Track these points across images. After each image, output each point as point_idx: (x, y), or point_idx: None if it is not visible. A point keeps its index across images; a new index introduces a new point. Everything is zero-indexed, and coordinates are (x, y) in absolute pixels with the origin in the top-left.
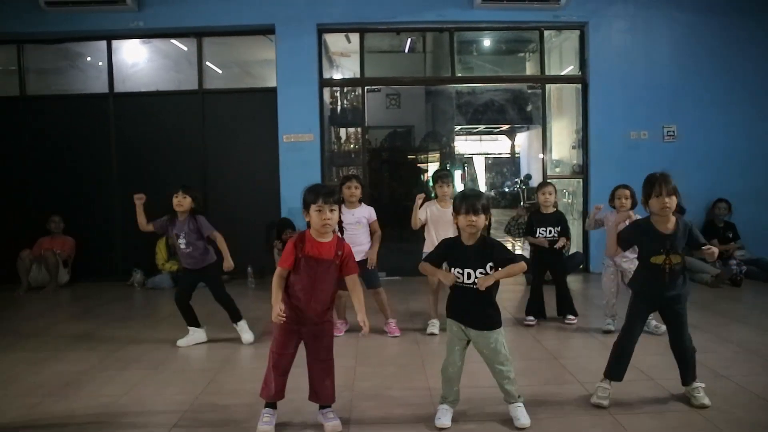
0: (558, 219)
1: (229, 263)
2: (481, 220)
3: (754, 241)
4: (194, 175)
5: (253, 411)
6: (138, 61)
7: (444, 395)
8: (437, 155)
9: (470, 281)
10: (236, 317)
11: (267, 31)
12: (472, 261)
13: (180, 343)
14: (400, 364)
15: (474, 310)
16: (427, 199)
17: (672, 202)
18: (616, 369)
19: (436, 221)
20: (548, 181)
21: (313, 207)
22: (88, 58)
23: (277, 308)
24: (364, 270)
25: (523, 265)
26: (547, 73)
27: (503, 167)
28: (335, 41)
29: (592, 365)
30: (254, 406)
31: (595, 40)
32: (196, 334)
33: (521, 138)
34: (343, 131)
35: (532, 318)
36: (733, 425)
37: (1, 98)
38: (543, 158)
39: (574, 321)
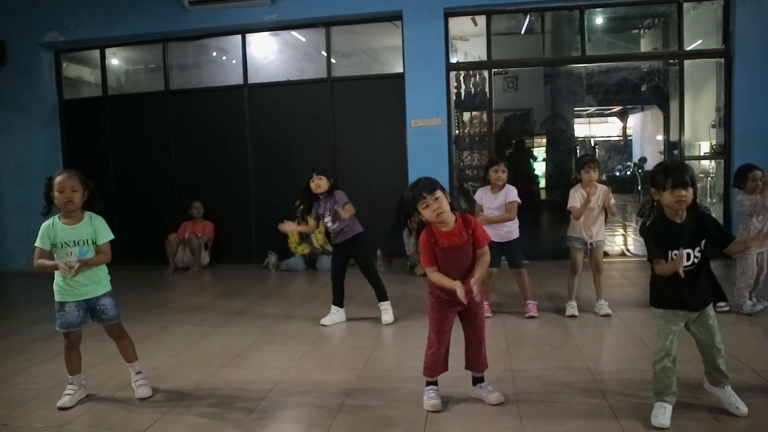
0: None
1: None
2: (690, 193)
3: None
4: (324, 162)
5: (415, 387)
6: (269, 53)
7: (660, 392)
8: (557, 138)
9: (688, 262)
10: (383, 296)
11: (394, 17)
12: (689, 240)
13: (324, 321)
14: (554, 345)
15: (694, 291)
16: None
17: None
18: None
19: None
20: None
21: (419, 206)
22: (225, 52)
23: (459, 289)
24: (511, 250)
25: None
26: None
27: (613, 151)
28: (454, 25)
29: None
30: (415, 382)
31: (742, 10)
32: (338, 314)
33: (634, 120)
34: (467, 115)
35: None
36: None
37: (149, 93)
38: (679, 139)
39: (726, 307)
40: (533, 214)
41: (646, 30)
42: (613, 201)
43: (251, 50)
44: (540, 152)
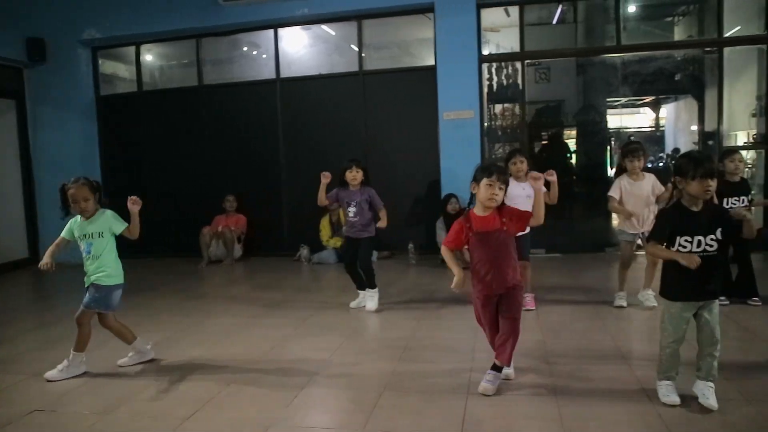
0: (746, 188)
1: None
2: (716, 184)
3: None
4: (356, 154)
5: (453, 377)
6: (301, 47)
7: (666, 372)
8: (589, 129)
9: (700, 249)
10: (372, 285)
11: (426, 9)
12: (704, 228)
13: (352, 305)
14: (591, 338)
15: (705, 280)
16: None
17: None
18: None
19: (629, 195)
20: (734, 148)
21: (485, 180)
22: (257, 47)
23: (457, 276)
24: (521, 241)
25: None
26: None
27: (646, 142)
28: (485, 16)
29: None
30: (453, 374)
31: None
32: (360, 298)
33: (667, 110)
34: (499, 107)
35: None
36: None
37: (183, 89)
38: (717, 129)
39: (759, 303)
40: (565, 206)
41: (681, 17)
42: (666, 194)
43: (283, 44)
44: (572, 144)
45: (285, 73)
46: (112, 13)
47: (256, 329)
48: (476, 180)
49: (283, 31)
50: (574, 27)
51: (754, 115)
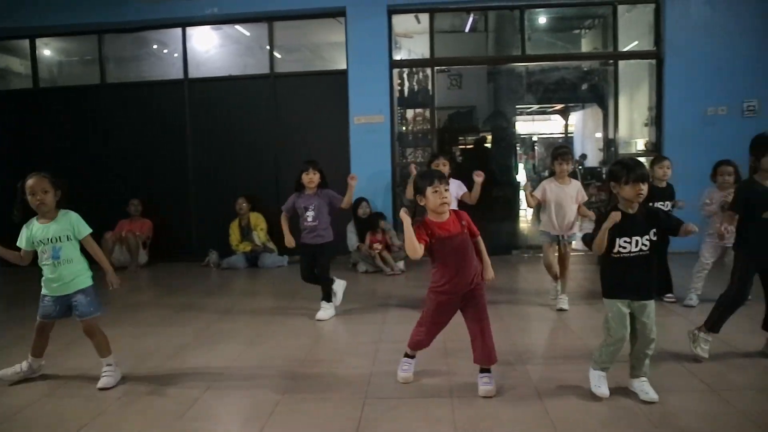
0: (672, 193)
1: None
2: (647, 188)
3: None
4: (267, 157)
5: (353, 381)
6: (211, 48)
7: (603, 363)
8: (499, 135)
9: (637, 249)
10: (328, 298)
11: (338, 13)
12: (640, 228)
13: (320, 315)
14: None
15: (643, 279)
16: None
17: None
18: (719, 324)
19: (556, 198)
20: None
21: (429, 189)
22: (164, 46)
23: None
24: None
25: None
26: (618, 49)
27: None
28: (399, 22)
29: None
30: (353, 378)
31: (672, 13)
32: (331, 309)
33: (575, 117)
34: (410, 112)
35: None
36: None
37: (84, 86)
38: (614, 136)
39: (673, 299)
40: (477, 209)
41: (587, 30)
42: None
43: (192, 44)
44: (484, 149)
45: (194, 73)
46: (2, 2)
47: (154, 338)
48: (420, 192)
49: (191, 30)
50: (485, 36)
51: (646, 125)
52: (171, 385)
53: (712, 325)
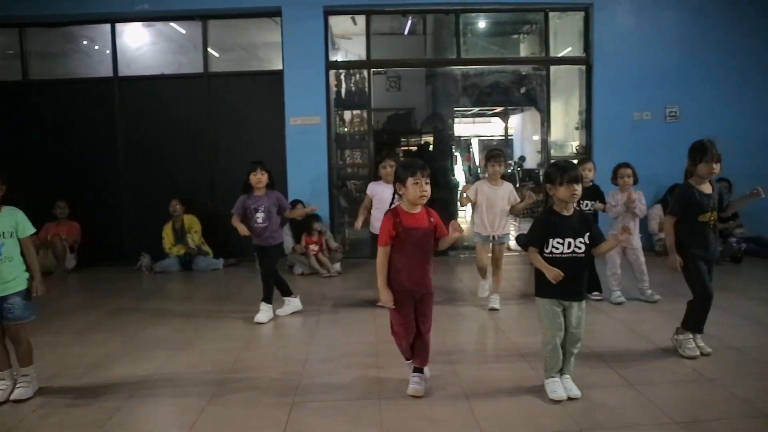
0: (598, 193)
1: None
2: (581, 188)
3: (754, 220)
4: (201, 158)
5: (281, 386)
6: (142, 45)
7: (552, 369)
8: (438, 137)
9: (569, 250)
10: (268, 300)
11: (273, 13)
12: (574, 230)
13: (279, 312)
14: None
15: (575, 280)
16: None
17: (718, 168)
18: (701, 323)
19: (487, 199)
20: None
21: (410, 180)
22: (93, 42)
23: (386, 295)
24: None
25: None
26: (550, 54)
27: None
28: (337, 23)
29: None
30: (282, 383)
31: (599, 21)
32: (293, 303)
33: (515, 120)
34: (347, 114)
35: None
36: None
37: (5, 83)
38: (546, 139)
39: (599, 297)
40: None
41: (525, 36)
42: (521, 204)
43: (123, 41)
44: (426, 151)
45: (124, 71)
46: None
47: (79, 347)
48: (400, 181)
49: (121, 27)
50: (423, 38)
51: (577, 128)
52: (93, 394)
53: (695, 326)
